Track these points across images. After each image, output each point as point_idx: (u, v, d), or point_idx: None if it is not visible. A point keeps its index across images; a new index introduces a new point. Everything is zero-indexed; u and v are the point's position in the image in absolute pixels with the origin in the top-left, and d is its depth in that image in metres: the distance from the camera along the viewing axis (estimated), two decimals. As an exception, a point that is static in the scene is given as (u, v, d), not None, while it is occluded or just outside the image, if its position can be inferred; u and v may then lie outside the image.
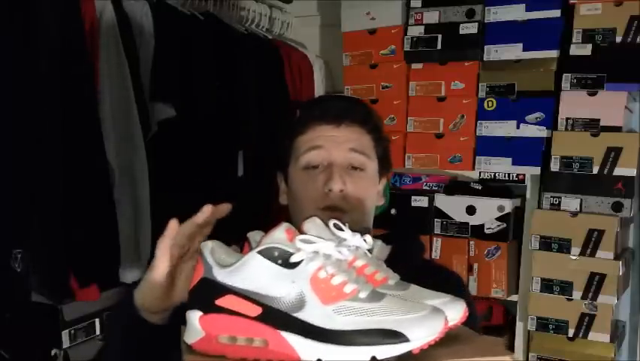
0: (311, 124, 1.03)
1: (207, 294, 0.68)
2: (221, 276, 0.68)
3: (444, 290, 0.73)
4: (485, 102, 2.15)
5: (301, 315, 0.63)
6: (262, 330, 0.65)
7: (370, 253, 0.75)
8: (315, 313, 0.63)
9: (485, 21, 2.14)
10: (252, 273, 0.66)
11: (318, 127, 1.02)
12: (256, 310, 0.65)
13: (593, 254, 1.90)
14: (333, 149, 1.00)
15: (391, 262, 1.04)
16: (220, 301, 0.67)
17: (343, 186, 0.98)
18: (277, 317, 0.64)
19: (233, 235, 0.79)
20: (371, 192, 1.05)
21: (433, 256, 2.16)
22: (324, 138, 1.01)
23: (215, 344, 0.67)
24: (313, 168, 1.01)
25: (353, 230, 0.72)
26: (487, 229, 2.11)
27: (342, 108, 1.04)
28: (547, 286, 1.95)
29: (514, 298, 2.13)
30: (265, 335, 0.65)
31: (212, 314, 0.67)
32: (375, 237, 1.09)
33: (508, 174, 2.13)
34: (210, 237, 0.79)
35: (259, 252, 0.66)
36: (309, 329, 0.63)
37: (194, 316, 0.68)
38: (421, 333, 0.61)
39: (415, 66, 2.27)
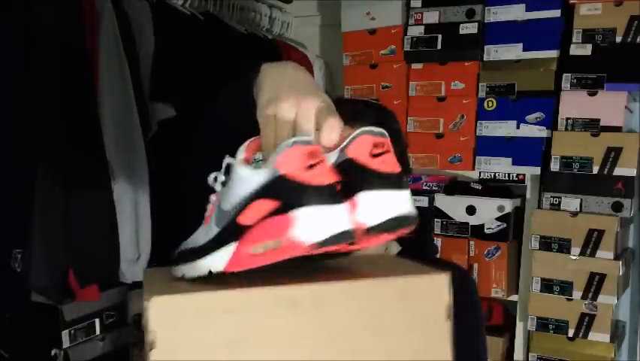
0: None
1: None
2: None
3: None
4: (485, 102, 2.15)
5: None
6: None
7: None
8: None
9: (485, 21, 2.14)
10: None
11: None
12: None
13: (593, 254, 1.90)
14: None
15: None
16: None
17: None
18: None
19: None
20: None
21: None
22: None
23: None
24: None
25: None
26: (487, 229, 2.11)
27: (354, 111, 1.02)
28: (547, 286, 1.95)
29: (514, 298, 2.13)
30: None
31: None
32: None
33: (508, 174, 2.13)
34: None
35: None
36: None
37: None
38: None
39: (415, 66, 2.27)
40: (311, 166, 0.57)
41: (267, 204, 0.57)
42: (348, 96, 2.36)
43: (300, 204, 0.56)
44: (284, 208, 0.57)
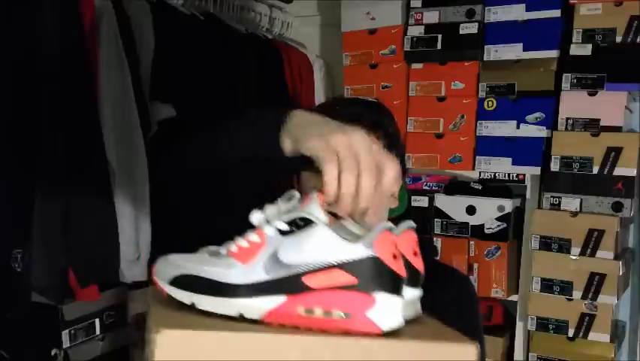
0: None
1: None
2: None
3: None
4: (485, 102, 2.15)
5: None
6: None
7: None
8: None
9: (485, 21, 2.14)
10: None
11: None
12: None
13: (593, 254, 1.90)
14: None
15: None
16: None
17: None
18: None
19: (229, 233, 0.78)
20: None
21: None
22: None
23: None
24: None
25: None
26: (487, 229, 2.11)
27: (352, 114, 1.03)
28: (547, 286, 1.95)
29: (514, 298, 2.13)
30: None
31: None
32: None
33: (508, 174, 2.13)
34: (200, 235, 0.78)
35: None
36: None
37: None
38: None
39: (415, 66, 2.27)
40: (394, 256, 0.58)
41: (344, 277, 0.57)
42: (348, 96, 2.36)
43: (385, 290, 0.57)
44: (363, 287, 0.57)
